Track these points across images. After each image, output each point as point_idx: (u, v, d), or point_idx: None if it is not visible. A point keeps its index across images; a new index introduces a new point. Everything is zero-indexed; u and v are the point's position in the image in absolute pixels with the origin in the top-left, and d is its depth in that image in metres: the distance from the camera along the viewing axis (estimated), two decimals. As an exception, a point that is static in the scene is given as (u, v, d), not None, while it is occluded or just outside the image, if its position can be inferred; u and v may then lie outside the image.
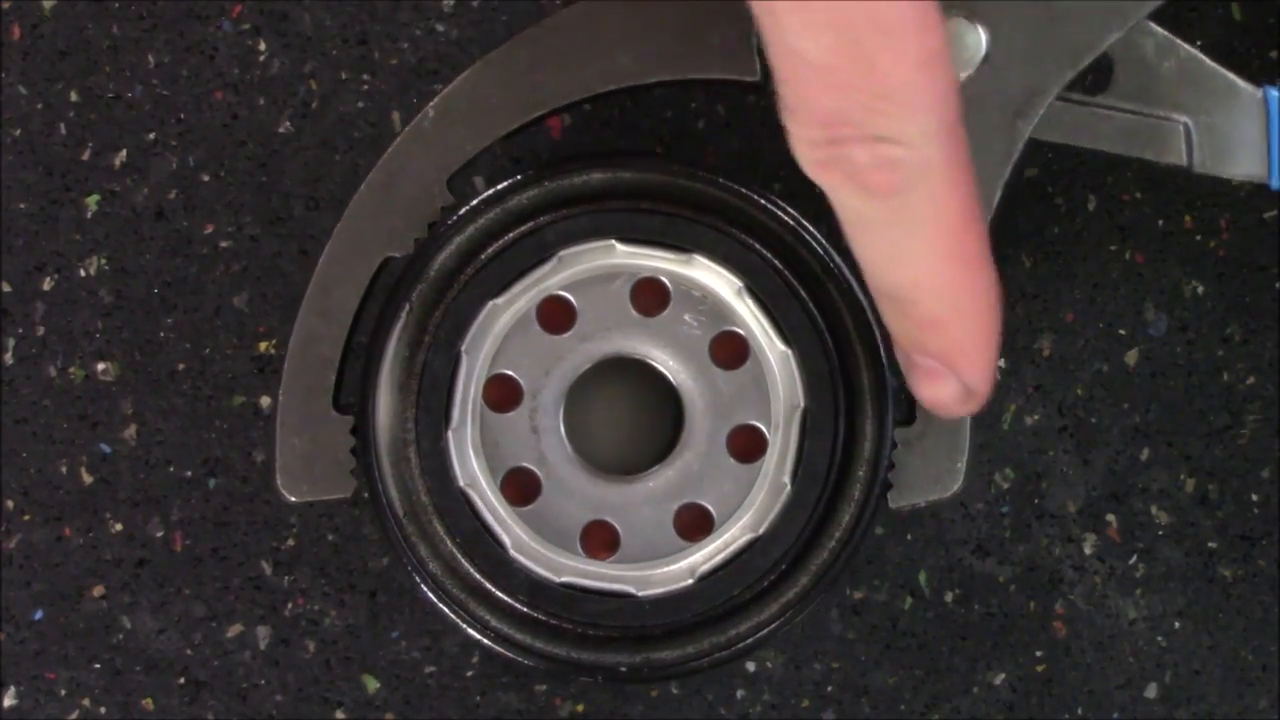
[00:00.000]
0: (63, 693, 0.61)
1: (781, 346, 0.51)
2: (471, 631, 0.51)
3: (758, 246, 0.51)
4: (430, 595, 0.51)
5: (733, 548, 0.52)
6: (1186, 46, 0.52)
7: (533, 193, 0.51)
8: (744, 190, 0.51)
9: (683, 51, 0.50)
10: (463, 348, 0.51)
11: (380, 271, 0.51)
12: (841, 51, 0.43)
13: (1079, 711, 0.61)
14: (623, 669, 0.52)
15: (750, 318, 0.51)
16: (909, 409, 0.51)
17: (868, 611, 0.61)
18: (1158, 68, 0.52)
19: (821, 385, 0.51)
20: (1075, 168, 0.61)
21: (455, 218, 0.50)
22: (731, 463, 0.52)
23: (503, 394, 0.51)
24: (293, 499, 0.51)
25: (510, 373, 0.51)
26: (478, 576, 0.51)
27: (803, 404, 0.51)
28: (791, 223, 0.51)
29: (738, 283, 0.51)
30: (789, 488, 0.51)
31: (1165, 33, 0.52)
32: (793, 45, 0.43)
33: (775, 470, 0.52)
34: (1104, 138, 0.52)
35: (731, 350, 0.52)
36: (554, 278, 0.51)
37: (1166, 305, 0.61)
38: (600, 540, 0.52)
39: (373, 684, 0.61)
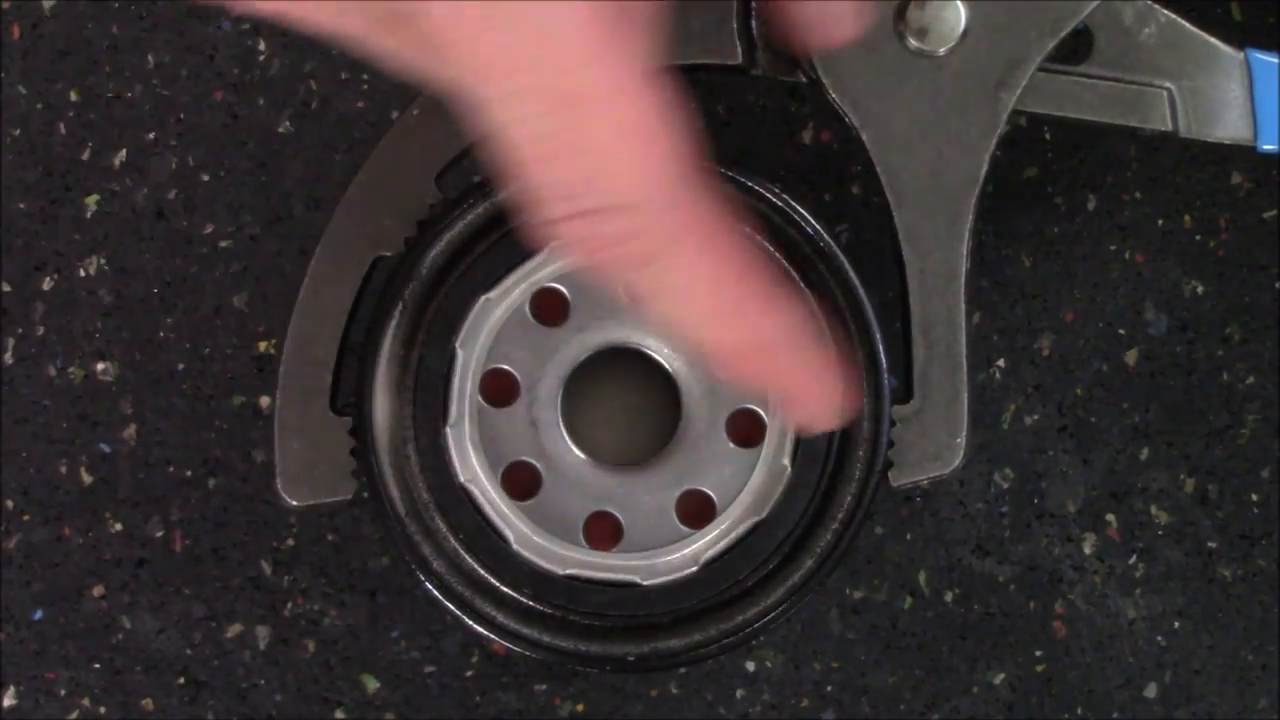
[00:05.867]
0: (63, 693, 0.61)
1: None
2: (478, 628, 0.51)
3: (749, 230, 0.51)
4: (435, 593, 0.51)
5: (736, 533, 0.52)
6: (1166, 12, 0.52)
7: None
8: (732, 173, 0.51)
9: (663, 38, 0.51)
10: (457, 344, 0.51)
11: (372, 271, 0.51)
12: (548, 130, 0.42)
13: (1079, 711, 0.61)
14: (630, 659, 0.52)
15: None
16: (905, 387, 0.51)
17: (868, 611, 0.61)
18: (1138, 34, 0.52)
19: None
20: (1075, 168, 0.61)
21: (444, 214, 0.50)
22: (731, 448, 0.52)
23: (499, 388, 0.51)
24: (294, 503, 0.51)
25: (506, 367, 0.51)
26: (482, 572, 0.51)
27: None
28: (780, 204, 0.51)
29: (729, 265, 0.51)
30: (789, 470, 0.51)
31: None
32: (502, 128, 0.42)
33: (775, 453, 0.52)
34: (1088, 106, 0.52)
35: (726, 334, 0.52)
36: (545, 269, 0.51)
37: (1166, 305, 0.61)
38: (603, 531, 0.52)
39: (373, 684, 0.61)
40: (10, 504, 0.61)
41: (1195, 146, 0.61)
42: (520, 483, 0.52)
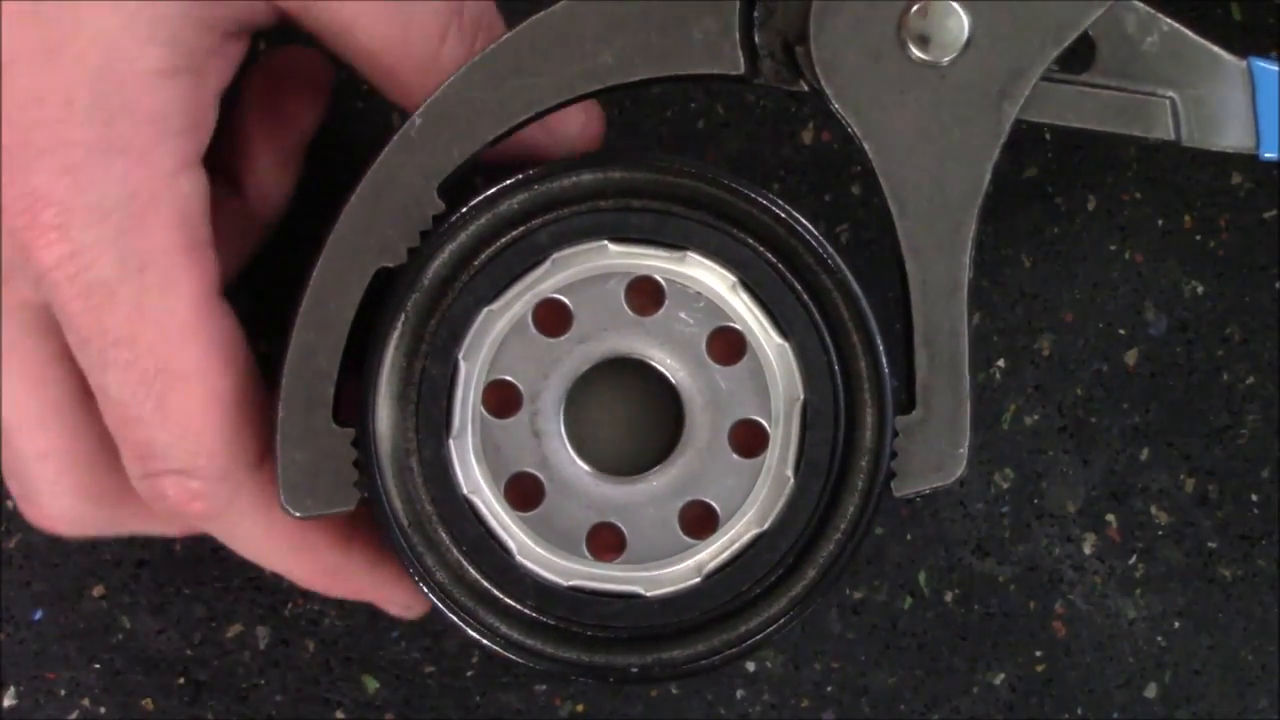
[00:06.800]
0: (63, 693, 0.61)
1: (778, 339, 0.51)
2: (482, 640, 0.51)
3: (750, 240, 0.51)
4: (439, 604, 0.51)
5: (739, 544, 0.51)
6: (1169, 21, 0.52)
7: (523, 196, 0.51)
8: (734, 184, 0.51)
9: (665, 48, 0.50)
10: (460, 355, 0.50)
11: (374, 282, 0.50)
12: (136, 389, 0.49)
13: (1079, 711, 0.61)
14: (634, 670, 0.52)
15: (746, 312, 0.51)
16: (908, 397, 0.51)
17: (868, 611, 0.61)
18: (1140, 43, 0.52)
19: (820, 377, 0.51)
20: (1075, 167, 0.61)
21: (447, 225, 0.50)
22: (734, 458, 0.52)
23: (502, 399, 0.51)
24: (297, 514, 0.51)
25: (509, 378, 0.51)
26: (485, 584, 0.51)
27: (802, 396, 0.51)
28: (783, 215, 0.51)
29: (731, 277, 0.51)
30: (792, 481, 0.51)
31: (1146, 8, 0.52)
32: (98, 380, 0.50)
33: (778, 464, 0.51)
34: (1090, 116, 0.52)
35: (728, 345, 0.51)
36: (548, 281, 0.51)
37: (1166, 305, 0.61)
38: (606, 542, 0.51)
39: (373, 684, 0.61)
40: (10, 504, 0.61)
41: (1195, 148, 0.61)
42: (523, 494, 0.51)
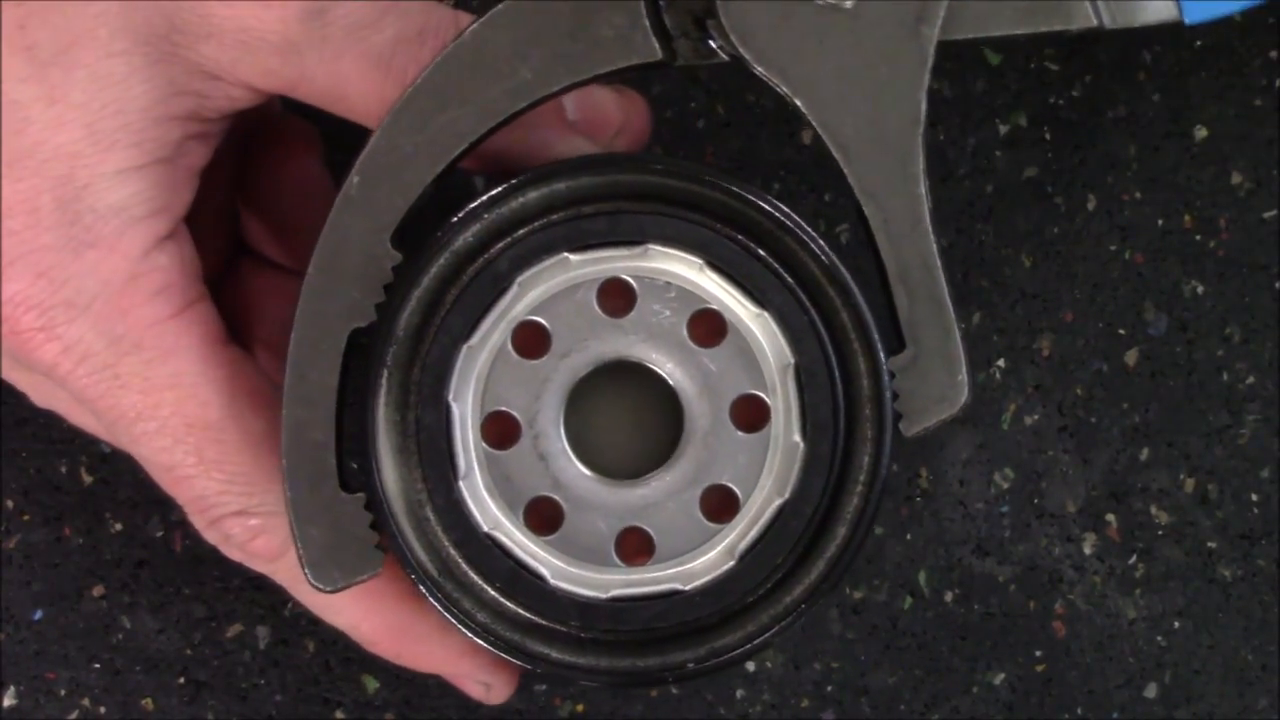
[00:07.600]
0: (63, 693, 0.61)
1: (756, 310, 0.51)
2: (536, 670, 0.51)
3: (707, 220, 0.51)
4: (486, 647, 0.51)
5: (764, 518, 0.51)
6: None
7: (476, 228, 0.50)
8: (679, 168, 0.50)
9: (580, 51, 0.50)
10: (449, 397, 0.50)
11: (350, 345, 0.50)
12: (174, 451, 0.51)
13: (1079, 711, 0.61)
14: (691, 665, 0.51)
15: (718, 290, 0.51)
16: (897, 338, 0.51)
17: (867, 611, 0.61)
18: None
19: (805, 338, 0.51)
20: (1075, 168, 0.61)
21: (408, 273, 0.50)
22: (740, 436, 0.51)
23: (501, 430, 0.51)
24: (327, 589, 0.51)
25: (503, 408, 0.51)
26: (526, 614, 0.51)
27: (792, 360, 0.51)
28: (734, 188, 0.50)
29: (697, 260, 0.50)
30: (802, 445, 0.51)
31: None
32: (142, 454, 0.52)
33: (784, 432, 0.51)
34: (1010, 22, 0.51)
35: (709, 327, 0.51)
36: (518, 305, 0.51)
37: (1166, 305, 0.61)
38: (635, 546, 0.51)
39: (373, 684, 0.61)
40: (10, 504, 0.61)
41: (1195, 147, 0.61)
42: (543, 518, 0.51)
